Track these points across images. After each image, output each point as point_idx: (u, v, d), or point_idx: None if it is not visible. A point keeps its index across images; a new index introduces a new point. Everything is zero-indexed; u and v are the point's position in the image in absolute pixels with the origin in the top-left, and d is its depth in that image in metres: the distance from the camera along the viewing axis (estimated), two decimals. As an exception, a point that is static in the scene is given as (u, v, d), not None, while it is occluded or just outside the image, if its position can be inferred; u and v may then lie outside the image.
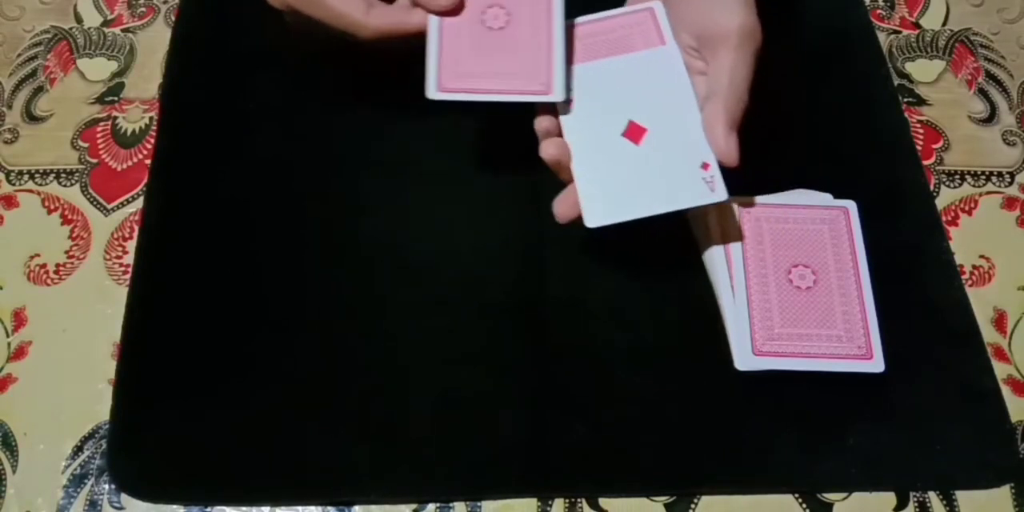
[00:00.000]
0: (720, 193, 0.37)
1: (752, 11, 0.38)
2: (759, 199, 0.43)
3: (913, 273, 0.44)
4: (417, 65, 0.39)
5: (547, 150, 0.38)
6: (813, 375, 0.40)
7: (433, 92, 0.38)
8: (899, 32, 0.54)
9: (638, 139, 0.39)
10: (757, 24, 0.38)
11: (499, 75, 0.38)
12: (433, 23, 0.39)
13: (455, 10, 0.39)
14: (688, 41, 0.40)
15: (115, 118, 0.49)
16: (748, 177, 0.45)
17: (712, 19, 0.38)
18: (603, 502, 0.40)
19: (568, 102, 0.39)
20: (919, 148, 0.49)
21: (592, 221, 0.37)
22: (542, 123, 0.39)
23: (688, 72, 0.39)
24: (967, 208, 0.48)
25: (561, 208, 0.39)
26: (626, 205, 0.37)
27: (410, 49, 0.40)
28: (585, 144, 0.39)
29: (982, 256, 0.46)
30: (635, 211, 0.37)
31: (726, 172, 0.44)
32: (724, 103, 0.38)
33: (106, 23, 0.53)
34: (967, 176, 0.49)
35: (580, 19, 0.41)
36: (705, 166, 0.38)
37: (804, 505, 0.40)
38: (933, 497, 0.40)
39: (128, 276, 0.44)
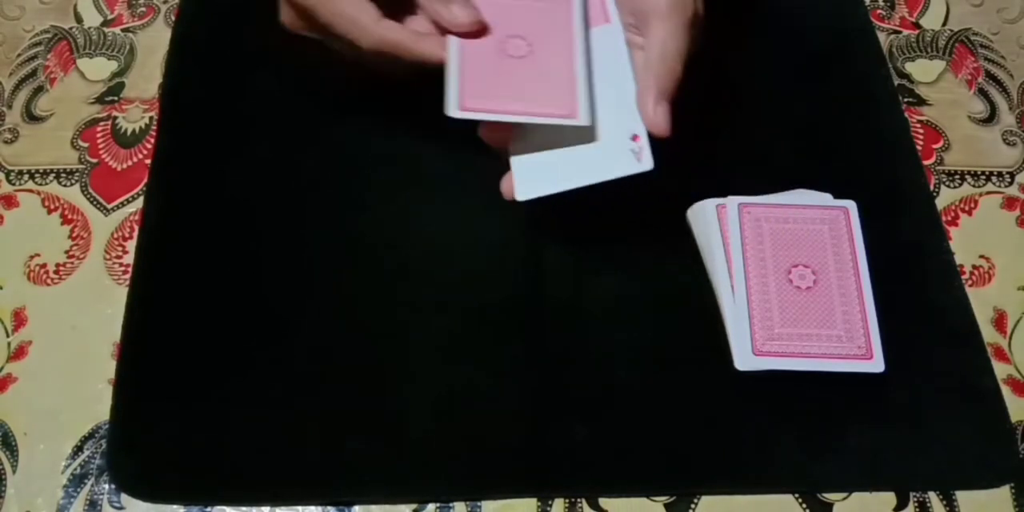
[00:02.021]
0: (646, 163, 0.37)
1: None
2: (759, 199, 0.43)
3: (913, 273, 0.44)
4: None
5: (486, 132, 0.39)
6: (813, 375, 0.40)
7: (453, 110, 0.38)
8: (899, 32, 0.54)
9: None
10: None
11: (522, 98, 0.38)
12: (453, 47, 0.39)
13: (476, 32, 0.39)
14: (627, 18, 0.40)
15: (115, 118, 0.49)
16: (748, 177, 0.45)
17: None
18: (603, 502, 0.40)
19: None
20: (919, 148, 0.49)
21: (521, 194, 0.38)
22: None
23: (629, 48, 0.39)
24: (967, 208, 0.48)
25: (506, 186, 0.39)
26: (554, 178, 0.38)
27: (408, 73, 0.39)
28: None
29: (982, 256, 0.46)
30: (563, 183, 0.38)
31: (727, 172, 0.44)
32: (654, 73, 0.37)
33: (106, 23, 0.53)
34: (967, 176, 0.49)
35: None
36: (635, 138, 0.38)
37: (804, 505, 0.40)
38: (933, 497, 0.40)
39: (128, 276, 0.44)
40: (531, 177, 0.39)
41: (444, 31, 0.39)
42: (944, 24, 0.54)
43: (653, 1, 0.38)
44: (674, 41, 0.38)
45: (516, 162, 0.39)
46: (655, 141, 0.38)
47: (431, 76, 0.39)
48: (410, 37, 0.38)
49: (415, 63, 0.39)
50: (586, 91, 0.38)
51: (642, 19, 0.39)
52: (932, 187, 0.48)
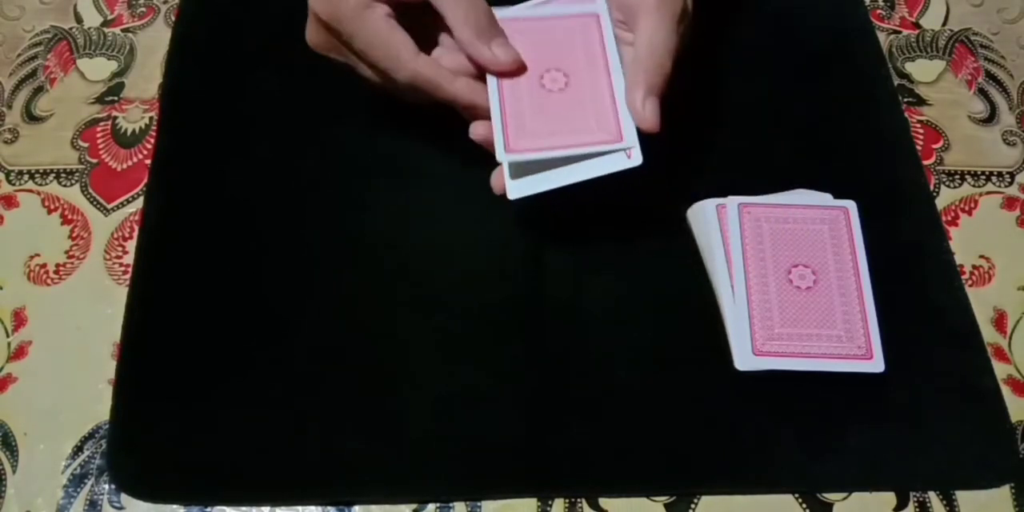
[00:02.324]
0: (636, 159, 0.38)
1: None
2: (759, 199, 0.43)
3: (913, 273, 0.44)
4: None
5: (476, 131, 0.39)
6: (813, 375, 0.40)
7: (502, 155, 0.38)
8: (899, 32, 0.54)
9: None
10: None
11: (566, 131, 0.39)
12: (492, 87, 0.39)
13: (515, 71, 0.39)
14: (615, 14, 0.40)
15: (115, 118, 0.49)
16: (748, 177, 0.45)
17: None
18: (603, 502, 0.40)
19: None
20: (919, 148, 0.49)
21: (513, 193, 0.39)
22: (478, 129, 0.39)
23: (618, 43, 0.40)
24: (967, 208, 0.48)
25: (496, 180, 0.39)
26: (545, 176, 0.39)
27: (432, 105, 0.40)
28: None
29: (982, 256, 0.46)
30: (554, 181, 0.38)
31: (727, 172, 0.44)
32: (643, 68, 0.37)
33: (106, 23, 0.53)
34: (967, 176, 0.49)
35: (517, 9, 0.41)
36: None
37: (804, 505, 0.40)
38: (933, 497, 0.40)
39: (128, 276, 0.44)
40: (522, 176, 0.39)
41: (480, 69, 0.39)
42: (944, 24, 0.54)
43: None
44: (662, 36, 0.38)
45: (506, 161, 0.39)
46: (648, 138, 0.38)
47: (452, 109, 0.39)
48: (446, 76, 0.38)
49: (445, 101, 0.39)
50: (628, 115, 0.38)
51: (630, 15, 0.39)
52: (932, 187, 0.48)
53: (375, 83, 0.41)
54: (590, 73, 0.40)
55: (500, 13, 0.41)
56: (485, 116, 0.39)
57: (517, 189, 0.39)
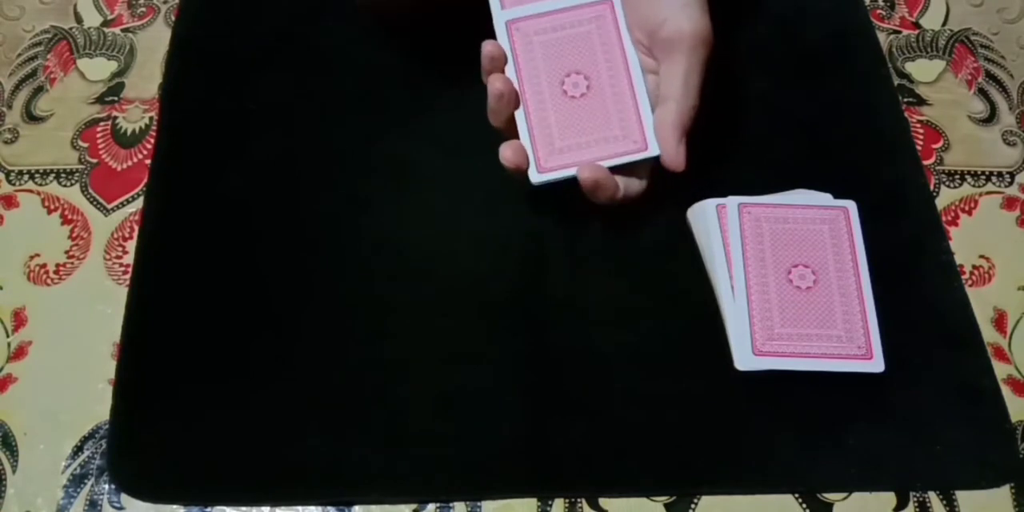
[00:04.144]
0: (653, 149, 0.39)
1: (706, 15, 0.38)
2: (759, 199, 0.43)
3: (913, 273, 0.44)
4: (417, 59, 0.38)
5: (505, 155, 0.39)
6: (813, 375, 0.40)
7: (536, 176, 0.40)
8: (899, 32, 0.54)
9: None
10: (711, 29, 0.38)
11: (593, 143, 0.40)
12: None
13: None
14: (639, 37, 0.40)
15: (115, 118, 0.49)
16: (748, 177, 0.45)
17: (667, 20, 0.38)
18: (603, 502, 0.40)
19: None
20: (919, 148, 0.49)
21: (536, 179, 0.40)
22: (495, 83, 0.39)
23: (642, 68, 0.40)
24: (967, 208, 0.48)
25: (509, 154, 0.39)
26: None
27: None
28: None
29: (982, 256, 0.46)
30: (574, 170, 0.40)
31: (727, 172, 0.43)
32: (677, 109, 0.38)
33: (106, 23, 0.53)
34: (967, 176, 0.49)
35: (533, 6, 0.41)
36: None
37: (804, 505, 0.40)
38: (933, 497, 0.40)
39: (128, 276, 0.44)
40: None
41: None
42: (944, 24, 0.54)
43: (678, 32, 0.38)
44: (696, 75, 0.38)
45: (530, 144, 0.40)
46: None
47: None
48: None
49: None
50: (651, 118, 0.39)
51: (661, 47, 0.39)
52: (932, 187, 0.48)
53: None
54: (611, 78, 0.40)
55: (511, 13, 0.41)
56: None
57: (538, 177, 0.40)
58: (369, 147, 0.47)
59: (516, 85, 0.40)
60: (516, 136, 0.40)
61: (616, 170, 0.40)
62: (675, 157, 0.38)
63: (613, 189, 0.39)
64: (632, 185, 0.40)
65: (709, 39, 0.38)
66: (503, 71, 0.40)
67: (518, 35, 0.41)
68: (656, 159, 0.40)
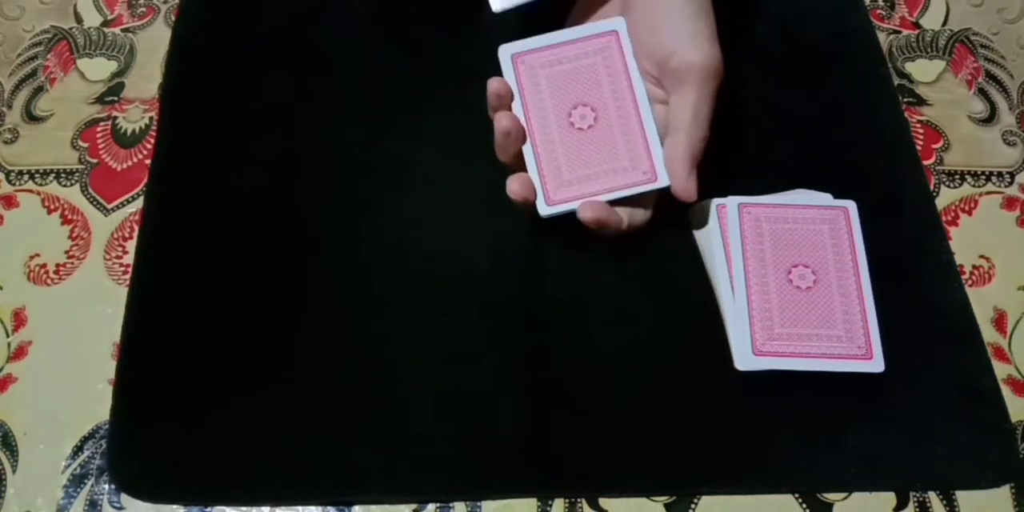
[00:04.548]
0: (663, 180, 0.39)
1: (716, 46, 0.38)
2: (759, 199, 0.43)
3: (913, 273, 0.44)
4: (417, 59, 0.38)
5: (512, 188, 0.39)
6: (813, 375, 0.40)
7: (544, 209, 0.39)
8: (899, 32, 0.54)
9: None
10: (721, 60, 0.38)
11: (602, 174, 0.39)
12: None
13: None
14: (648, 67, 0.40)
15: (115, 118, 0.49)
16: (748, 177, 0.45)
17: (676, 51, 0.38)
18: (603, 502, 0.40)
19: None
20: (919, 148, 0.49)
21: (544, 212, 0.40)
22: (502, 121, 0.39)
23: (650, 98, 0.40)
24: (967, 208, 0.48)
25: (515, 185, 0.39)
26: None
27: None
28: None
29: (982, 256, 0.46)
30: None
31: (727, 172, 0.43)
32: (688, 140, 0.38)
33: (106, 23, 0.53)
34: (967, 176, 0.49)
35: (538, 39, 0.41)
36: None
37: (804, 505, 0.40)
38: (933, 497, 0.40)
39: (128, 276, 0.44)
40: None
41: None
42: (944, 24, 0.54)
43: (688, 64, 0.38)
44: (706, 106, 0.38)
45: (536, 175, 0.40)
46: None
47: None
48: None
49: None
50: (660, 151, 0.39)
51: (670, 77, 0.39)
52: (932, 187, 0.48)
53: None
54: (618, 109, 0.40)
55: (520, 46, 0.41)
56: None
57: (547, 210, 0.40)
58: (369, 147, 0.47)
59: (523, 117, 0.40)
60: (523, 169, 0.40)
61: (621, 201, 0.40)
62: (686, 188, 0.38)
63: (617, 224, 0.39)
64: (636, 215, 0.40)
65: (719, 70, 0.38)
66: (510, 108, 0.40)
67: (523, 68, 0.40)
68: (665, 189, 0.40)
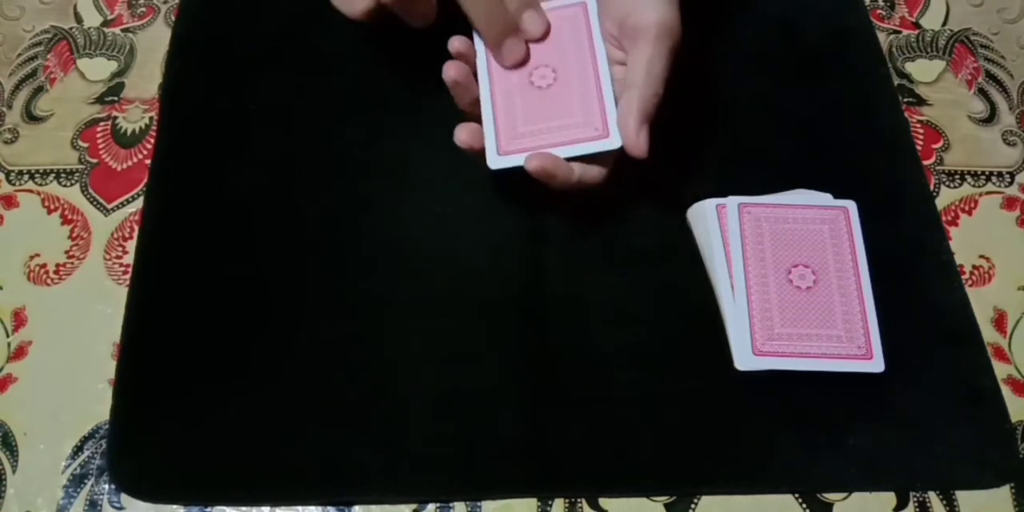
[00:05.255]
0: (615, 141, 0.39)
1: (675, 6, 0.39)
2: (759, 199, 0.43)
3: (913, 273, 0.44)
4: (416, 59, 0.39)
5: (460, 137, 0.39)
6: (813, 375, 0.40)
7: (494, 159, 0.39)
8: (899, 32, 0.54)
9: None
10: (678, 20, 0.39)
11: (555, 129, 0.39)
12: (485, 92, 0.40)
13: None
14: (610, 28, 0.40)
15: (115, 118, 0.49)
16: (748, 177, 0.45)
17: (635, 10, 0.39)
18: (603, 502, 0.40)
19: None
20: (919, 148, 0.49)
21: (494, 165, 0.39)
22: (453, 46, 0.40)
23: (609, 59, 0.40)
24: (967, 208, 0.48)
25: (464, 135, 0.39)
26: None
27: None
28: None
29: (982, 256, 0.46)
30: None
31: (727, 172, 0.43)
32: (639, 96, 0.38)
33: (106, 23, 0.53)
34: (967, 176, 0.49)
35: None
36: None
37: (804, 505, 0.40)
38: (933, 497, 0.40)
39: (128, 276, 0.44)
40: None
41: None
42: (944, 24, 0.54)
43: (644, 21, 0.38)
44: (661, 66, 0.38)
45: (489, 130, 0.40)
46: (650, 138, 0.38)
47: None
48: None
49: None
50: (614, 110, 0.39)
51: (628, 36, 0.39)
52: (932, 187, 0.48)
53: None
54: (578, 69, 0.40)
55: None
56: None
57: (497, 162, 0.39)
58: (369, 147, 0.47)
59: (487, 80, 0.41)
60: (479, 121, 0.40)
61: (577, 159, 0.39)
62: (636, 143, 0.38)
63: (566, 175, 0.38)
64: (590, 171, 0.40)
65: (675, 29, 0.38)
66: (473, 66, 0.41)
67: None
68: (620, 150, 0.39)
